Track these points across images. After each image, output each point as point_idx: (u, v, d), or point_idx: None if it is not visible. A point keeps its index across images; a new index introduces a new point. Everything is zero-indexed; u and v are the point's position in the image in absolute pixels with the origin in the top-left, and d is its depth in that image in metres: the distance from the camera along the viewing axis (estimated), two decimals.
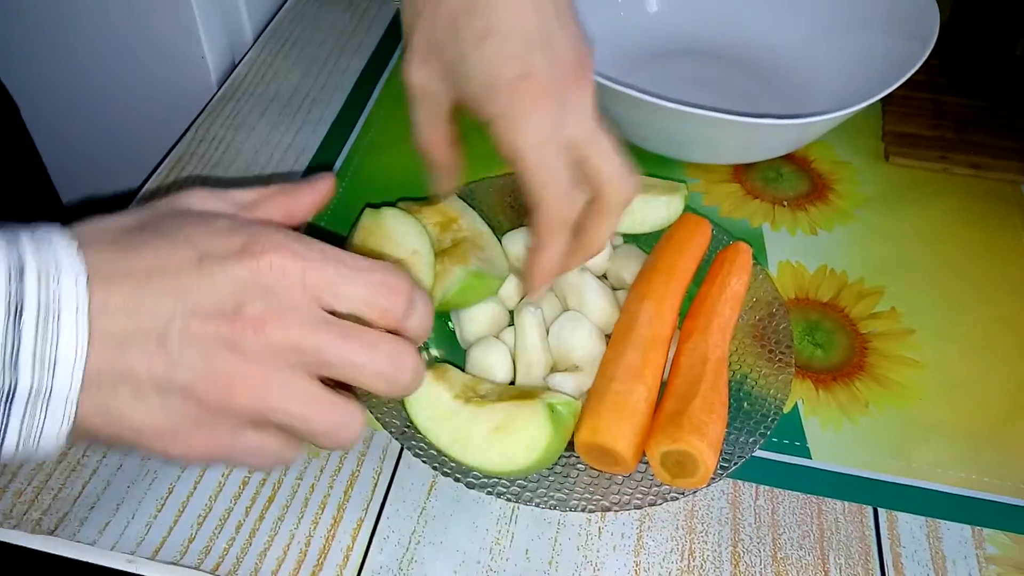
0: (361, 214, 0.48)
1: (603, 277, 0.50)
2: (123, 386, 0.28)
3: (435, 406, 0.41)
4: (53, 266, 0.27)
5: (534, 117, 0.38)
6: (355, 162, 0.60)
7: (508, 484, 0.40)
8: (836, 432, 0.46)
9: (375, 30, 0.72)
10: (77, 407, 0.28)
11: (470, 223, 0.49)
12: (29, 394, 0.27)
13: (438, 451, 0.41)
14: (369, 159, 0.61)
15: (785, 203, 0.58)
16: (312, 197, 0.36)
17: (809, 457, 0.45)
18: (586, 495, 0.40)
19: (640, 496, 0.40)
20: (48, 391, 0.27)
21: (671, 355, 0.45)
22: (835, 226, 0.57)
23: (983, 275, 0.54)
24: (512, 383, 0.45)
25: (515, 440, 0.39)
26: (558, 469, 0.41)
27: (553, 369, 0.45)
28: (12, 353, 0.26)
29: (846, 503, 0.43)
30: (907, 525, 0.42)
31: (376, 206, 0.48)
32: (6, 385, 0.26)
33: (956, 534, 0.42)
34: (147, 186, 0.58)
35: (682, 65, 0.66)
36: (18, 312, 0.26)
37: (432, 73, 0.41)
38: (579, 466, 0.41)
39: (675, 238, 0.49)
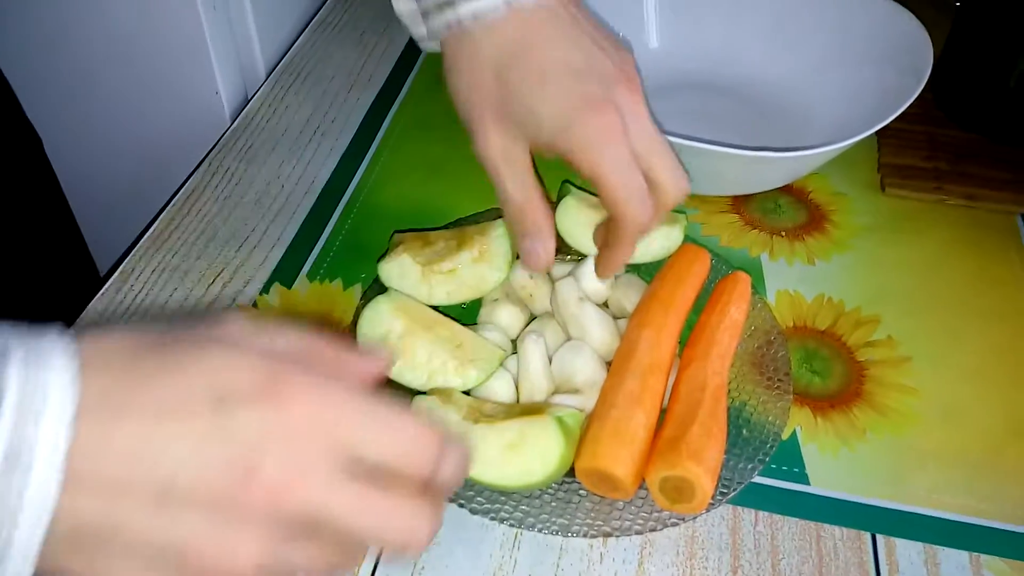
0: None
1: (604, 305, 0.51)
2: (112, 543, 0.25)
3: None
4: (39, 397, 0.24)
5: (609, 141, 0.41)
6: (364, 194, 0.62)
7: (511, 509, 0.41)
8: (834, 459, 0.47)
9: (384, 65, 0.74)
10: (44, 559, 0.24)
11: (436, 233, 0.52)
12: None
13: None
14: (378, 191, 0.62)
15: (783, 233, 0.60)
16: (364, 369, 0.31)
17: (808, 483, 0.46)
18: (588, 521, 0.41)
19: (641, 522, 0.41)
20: (7, 544, 0.24)
21: (671, 382, 0.46)
22: (832, 256, 0.58)
23: (978, 304, 0.55)
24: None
25: (530, 454, 0.40)
26: (560, 495, 0.42)
27: (555, 394, 0.46)
28: None
29: (845, 529, 0.44)
30: (905, 551, 0.43)
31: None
32: None
33: (954, 560, 0.43)
34: (161, 216, 0.59)
35: (682, 99, 0.68)
36: None
37: (507, 135, 0.43)
38: (581, 492, 0.42)
39: (675, 267, 0.50)
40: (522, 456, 0.40)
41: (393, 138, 0.67)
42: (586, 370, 0.45)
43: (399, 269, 0.50)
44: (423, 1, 0.44)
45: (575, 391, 0.45)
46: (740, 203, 0.62)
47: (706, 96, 0.69)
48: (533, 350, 0.46)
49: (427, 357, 0.45)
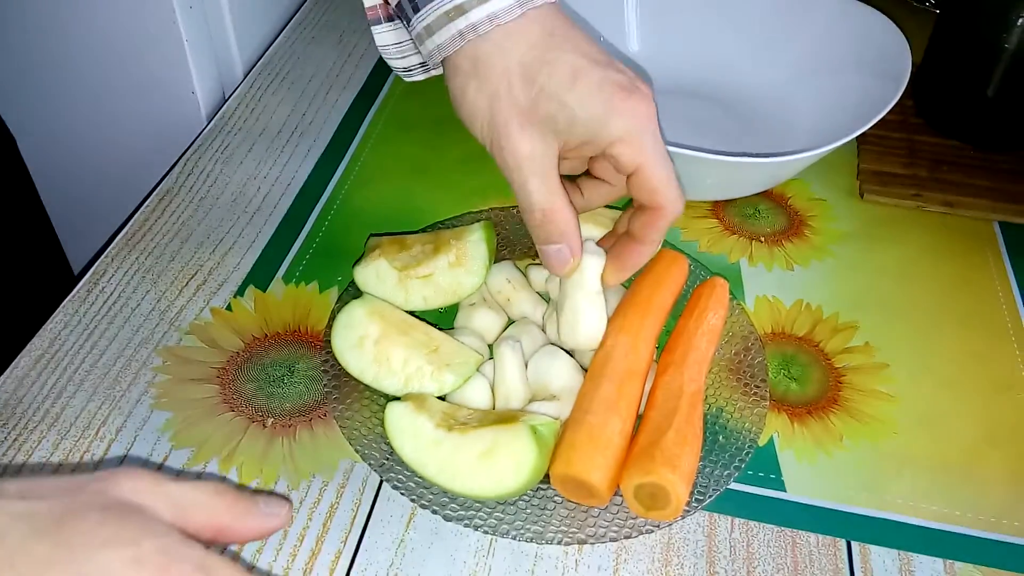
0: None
1: None
2: None
3: (419, 436, 0.42)
4: None
5: (647, 128, 0.41)
6: (342, 196, 0.61)
7: (486, 516, 0.41)
8: (811, 465, 0.46)
9: (363, 66, 0.73)
10: None
11: (414, 237, 0.52)
12: None
13: (417, 483, 0.41)
14: (356, 192, 0.62)
15: (762, 239, 0.60)
16: (258, 526, 0.32)
17: (784, 490, 0.45)
18: (562, 528, 0.41)
19: (616, 529, 0.41)
20: None
21: (648, 388, 0.46)
22: (811, 262, 0.58)
23: (956, 310, 0.55)
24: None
25: (502, 464, 0.40)
26: (535, 502, 0.42)
27: (532, 400, 0.45)
28: None
29: (820, 536, 0.43)
30: (880, 558, 0.43)
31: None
32: None
33: (928, 568, 0.42)
34: (135, 216, 0.59)
35: (661, 104, 0.67)
36: None
37: (535, 140, 0.41)
38: (556, 499, 0.42)
39: (653, 273, 0.50)
40: (495, 466, 0.40)
41: (372, 140, 0.66)
42: (563, 376, 0.45)
43: (375, 273, 0.49)
44: (419, 22, 0.41)
45: (552, 397, 0.45)
46: (719, 208, 0.62)
47: (686, 101, 0.68)
48: (509, 356, 0.46)
49: (403, 362, 0.45)
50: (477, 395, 0.45)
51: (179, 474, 0.44)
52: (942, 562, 0.43)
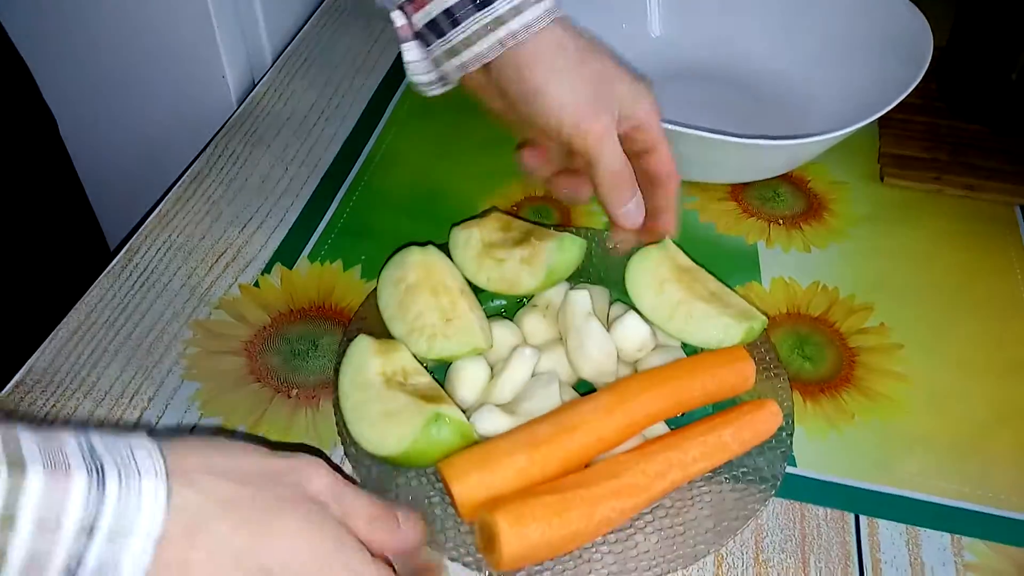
0: (395, 254, 0.50)
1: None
2: None
3: (359, 372, 0.44)
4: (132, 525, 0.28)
5: (657, 111, 0.47)
6: (366, 178, 0.63)
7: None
8: (821, 441, 0.47)
9: (390, 51, 0.75)
10: None
11: (522, 223, 0.53)
12: None
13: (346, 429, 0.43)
14: (380, 175, 0.63)
15: (780, 221, 0.60)
16: (401, 540, 0.36)
17: (794, 465, 0.46)
18: None
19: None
20: None
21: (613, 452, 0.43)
22: (829, 244, 0.59)
23: (973, 294, 0.55)
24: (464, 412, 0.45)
25: (392, 429, 0.41)
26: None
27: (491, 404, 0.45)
28: None
29: (829, 509, 0.44)
30: (887, 532, 0.43)
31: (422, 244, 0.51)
32: None
33: (935, 542, 0.43)
34: (168, 196, 0.61)
35: (683, 88, 0.68)
36: (74, 573, 0.27)
37: (605, 117, 0.45)
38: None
39: (704, 363, 0.45)
40: (387, 427, 0.42)
41: (397, 123, 0.68)
42: (540, 403, 0.44)
43: (466, 239, 0.51)
44: (457, 36, 0.44)
45: (511, 412, 0.44)
46: (739, 191, 0.62)
47: (707, 85, 0.69)
48: (520, 362, 0.46)
49: (416, 315, 0.47)
50: (470, 378, 0.46)
51: None
52: (949, 536, 0.43)
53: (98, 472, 0.28)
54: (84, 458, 0.28)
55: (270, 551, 0.31)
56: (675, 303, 0.48)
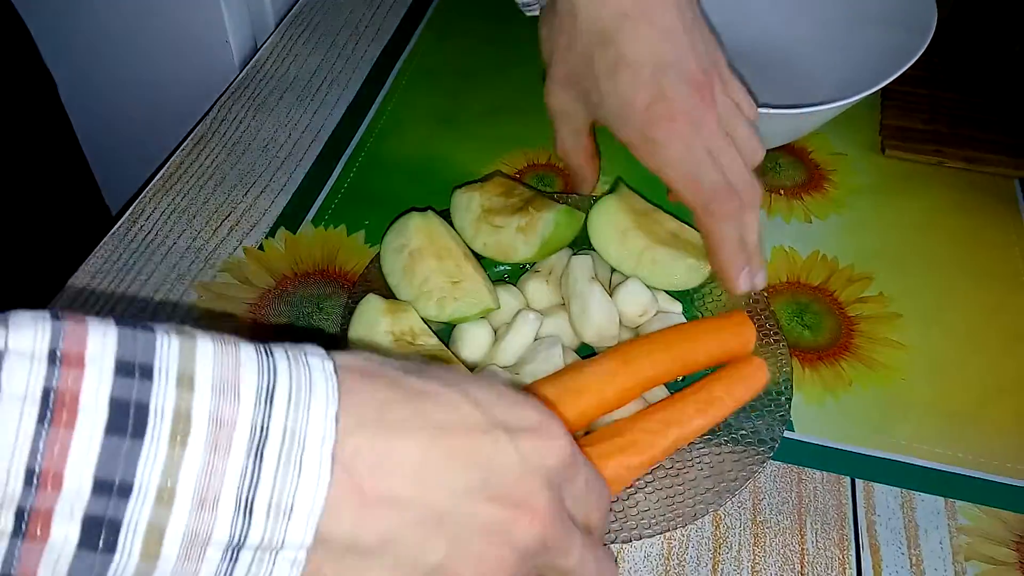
0: (396, 220, 0.51)
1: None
2: (378, 558, 0.25)
3: (371, 330, 0.45)
4: (304, 421, 0.24)
5: (672, 137, 0.42)
6: (370, 143, 0.63)
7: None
8: (819, 408, 0.48)
9: (392, 17, 0.74)
10: (306, 566, 0.24)
11: (525, 190, 0.53)
12: (258, 545, 0.24)
13: None
14: (383, 141, 0.63)
15: (781, 192, 0.60)
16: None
17: (792, 430, 0.47)
18: None
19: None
20: (279, 544, 0.24)
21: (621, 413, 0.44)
22: (829, 215, 0.59)
23: (972, 265, 0.56)
24: (472, 368, 0.46)
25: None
26: None
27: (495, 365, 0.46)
28: (249, 493, 0.23)
29: (825, 473, 0.45)
30: (883, 495, 0.44)
31: (421, 210, 0.51)
32: (237, 532, 0.23)
33: (930, 505, 0.44)
34: (171, 160, 0.61)
35: None
36: (262, 443, 0.23)
37: (568, 98, 0.46)
38: None
39: (706, 326, 0.46)
40: None
41: (400, 89, 0.68)
42: (543, 366, 0.44)
43: (466, 203, 0.51)
44: None
45: (515, 374, 0.45)
46: None
47: None
48: (524, 324, 0.47)
49: (423, 279, 0.47)
50: (474, 340, 0.47)
51: None
52: (943, 500, 0.44)
53: (267, 352, 0.25)
54: (253, 347, 0.25)
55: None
56: (639, 251, 0.49)
